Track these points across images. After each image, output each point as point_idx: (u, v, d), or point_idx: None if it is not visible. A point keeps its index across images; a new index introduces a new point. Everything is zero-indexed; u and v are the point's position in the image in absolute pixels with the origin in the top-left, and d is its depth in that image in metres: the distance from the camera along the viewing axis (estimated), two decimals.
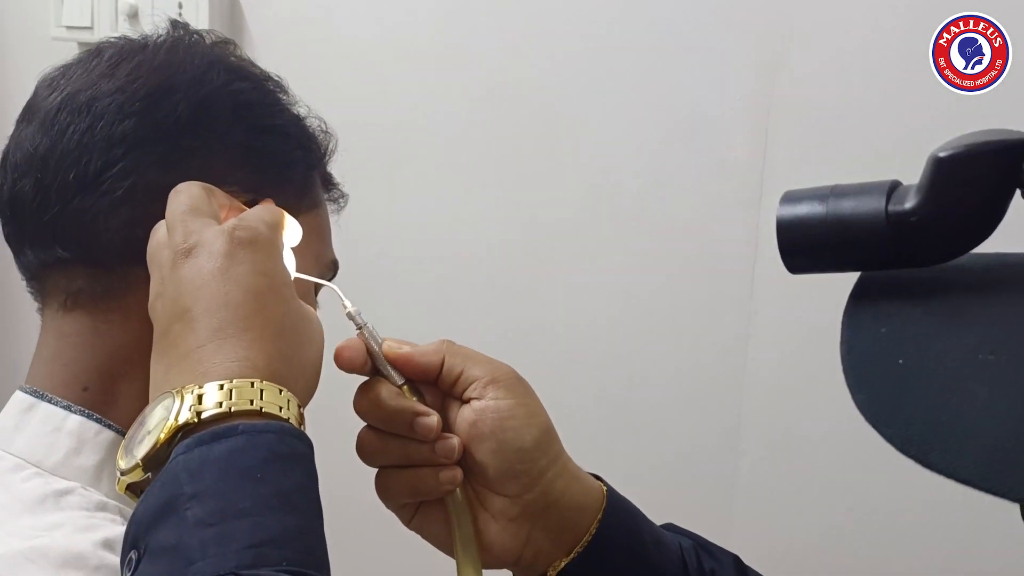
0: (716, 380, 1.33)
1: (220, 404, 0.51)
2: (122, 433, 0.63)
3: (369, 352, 0.62)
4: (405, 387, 0.62)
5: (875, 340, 0.48)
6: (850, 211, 0.49)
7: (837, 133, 1.21)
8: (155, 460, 0.51)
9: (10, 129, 0.69)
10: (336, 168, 0.75)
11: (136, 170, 0.63)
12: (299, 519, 0.51)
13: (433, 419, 0.60)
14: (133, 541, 0.50)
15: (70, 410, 0.64)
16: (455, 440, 0.61)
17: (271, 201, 0.65)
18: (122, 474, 0.53)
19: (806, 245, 0.53)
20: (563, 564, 0.63)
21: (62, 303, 0.65)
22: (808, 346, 1.29)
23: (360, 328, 0.62)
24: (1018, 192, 0.47)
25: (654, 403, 1.35)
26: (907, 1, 1.13)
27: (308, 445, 0.53)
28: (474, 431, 0.61)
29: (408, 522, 0.64)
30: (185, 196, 0.60)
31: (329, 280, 0.73)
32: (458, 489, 0.62)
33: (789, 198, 0.53)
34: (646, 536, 0.67)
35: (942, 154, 0.46)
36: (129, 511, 0.57)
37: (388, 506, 0.64)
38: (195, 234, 0.57)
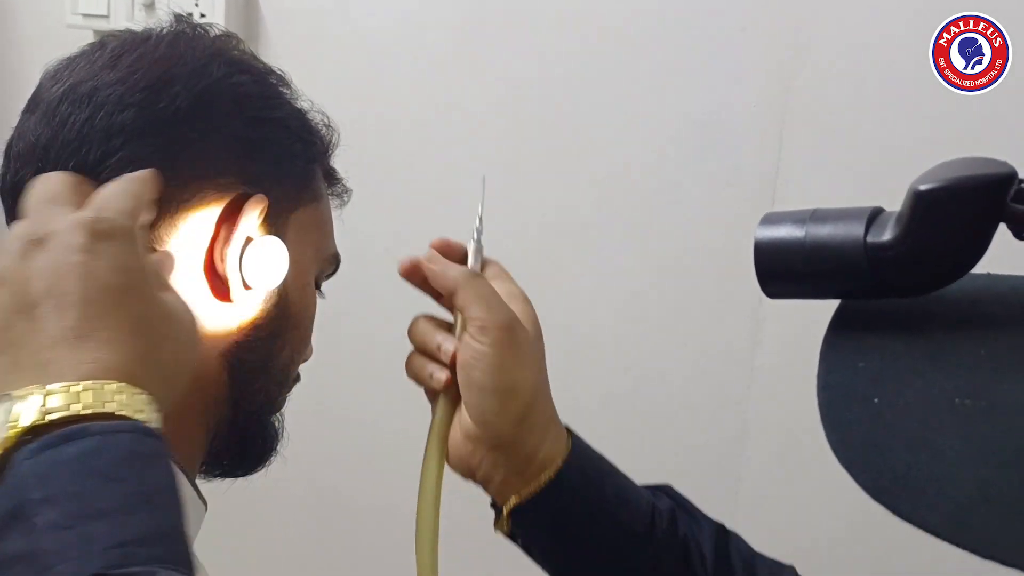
0: (723, 385, 1.33)
1: (68, 407, 0.47)
2: None
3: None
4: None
5: (852, 375, 0.46)
6: (828, 238, 0.47)
7: (850, 139, 1.21)
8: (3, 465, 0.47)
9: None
10: (347, 162, 0.76)
11: (134, 160, 0.63)
12: (164, 518, 0.49)
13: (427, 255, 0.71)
14: None
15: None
16: (453, 344, 0.69)
17: (153, 178, 0.62)
18: None
19: (783, 270, 0.50)
20: (514, 504, 0.70)
21: None
22: (816, 353, 1.29)
23: (475, 240, 0.74)
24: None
25: (661, 407, 1.36)
26: (907, 1, 1.14)
27: (165, 444, 0.50)
28: (461, 358, 0.69)
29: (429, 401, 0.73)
30: (44, 184, 0.59)
31: (330, 275, 0.75)
32: (444, 395, 0.70)
33: (768, 220, 0.51)
34: (608, 491, 0.72)
35: (922, 187, 0.44)
36: None
37: (409, 377, 0.72)
38: (48, 223, 0.54)
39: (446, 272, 0.70)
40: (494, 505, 0.73)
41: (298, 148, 0.71)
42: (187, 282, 0.64)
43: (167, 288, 0.57)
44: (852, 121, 1.21)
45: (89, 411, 0.48)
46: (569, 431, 0.73)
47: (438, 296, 0.72)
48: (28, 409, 0.47)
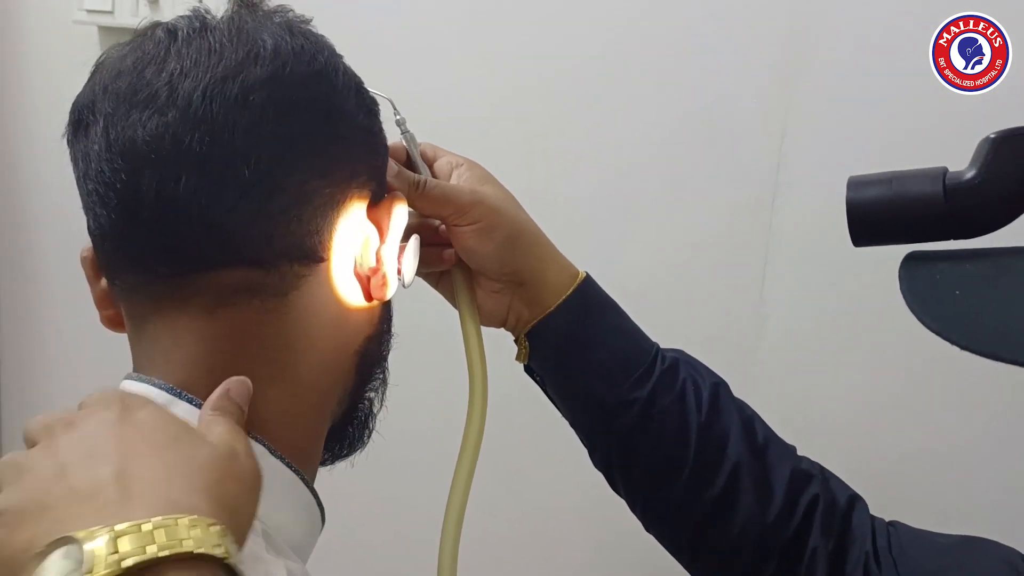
0: (726, 381, 1.34)
1: (144, 549, 0.43)
2: (266, 446, 0.60)
3: (407, 149, 0.79)
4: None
5: (931, 282, 0.56)
6: (913, 180, 0.58)
7: (851, 137, 1.22)
8: None
9: (33, 109, 0.67)
10: None
11: (301, 165, 0.61)
12: None
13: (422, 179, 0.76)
14: None
15: None
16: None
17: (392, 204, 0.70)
18: None
19: (873, 217, 0.60)
20: (528, 327, 0.82)
21: (208, 307, 0.61)
22: (818, 348, 1.30)
23: (404, 132, 0.78)
24: None
25: None
26: (907, 1, 1.14)
27: None
28: (456, 245, 0.78)
29: (435, 285, 0.84)
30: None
31: None
32: (458, 268, 0.80)
33: (855, 180, 0.62)
34: (609, 321, 0.84)
35: (993, 135, 0.58)
36: (266, 529, 0.57)
37: (419, 273, 0.77)
38: (79, 415, 0.53)
39: (433, 148, 0.81)
40: (517, 341, 0.83)
41: (384, 136, 0.70)
42: (342, 286, 0.64)
43: (219, 434, 0.55)
44: (854, 118, 1.22)
45: (166, 552, 0.44)
46: (588, 275, 0.84)
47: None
48: (100, 555, 0.43)
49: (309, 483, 0.64)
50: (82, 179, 0.63)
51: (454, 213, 0.77)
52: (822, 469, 0.82)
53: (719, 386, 0.82)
